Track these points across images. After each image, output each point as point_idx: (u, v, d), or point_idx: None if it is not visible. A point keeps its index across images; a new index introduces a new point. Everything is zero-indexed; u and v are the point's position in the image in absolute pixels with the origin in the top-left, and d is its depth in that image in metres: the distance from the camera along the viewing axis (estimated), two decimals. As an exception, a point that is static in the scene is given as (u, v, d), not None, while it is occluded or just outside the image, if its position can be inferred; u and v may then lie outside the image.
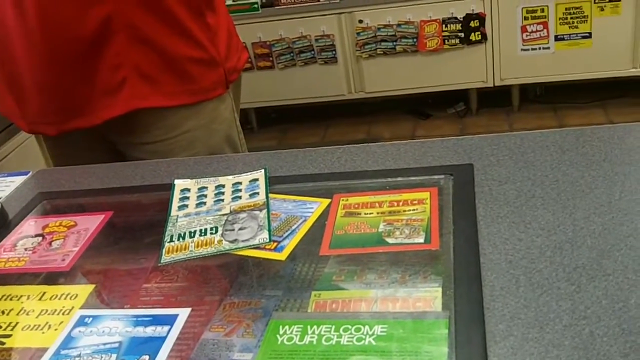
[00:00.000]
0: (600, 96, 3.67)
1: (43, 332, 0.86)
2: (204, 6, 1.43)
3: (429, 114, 3.89)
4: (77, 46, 1.31)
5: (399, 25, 3.52)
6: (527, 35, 3.43)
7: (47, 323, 0.88)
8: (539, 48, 3.45)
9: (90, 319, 0.87)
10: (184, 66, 1.40)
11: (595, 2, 3.31)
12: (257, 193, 1.07)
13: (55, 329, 0.86)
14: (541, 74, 3.54)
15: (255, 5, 3.62)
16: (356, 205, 1.00)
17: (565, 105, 3.68)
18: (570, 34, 3.39)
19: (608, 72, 3.48)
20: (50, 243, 1.06)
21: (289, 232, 0.97)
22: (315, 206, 1.02)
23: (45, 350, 0.83)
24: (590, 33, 3.37)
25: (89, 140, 1.49)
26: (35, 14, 1.28)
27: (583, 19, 3.35)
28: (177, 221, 1.04)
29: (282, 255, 0.93)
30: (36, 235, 1.09)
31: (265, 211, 1.02)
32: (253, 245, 0.96)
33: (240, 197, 1.07)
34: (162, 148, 1.45)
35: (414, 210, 0.96)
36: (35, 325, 0.88)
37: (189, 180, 1.14)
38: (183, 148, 1.46)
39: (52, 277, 0.99)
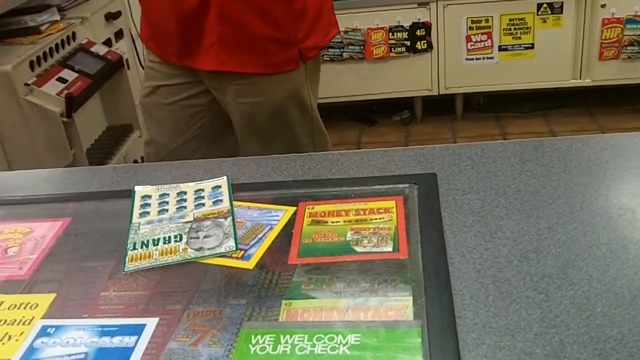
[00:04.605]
0: (541, 106, 3.76)
1: (3, 344, 0.84)
2: None
3: (374, 121, 3.91)
4: (183, 14, 1.64)
5: (346, 32, 3.53)
6: (471, 45, 3.49)
7: (7, 334, 0.85)
8: (483, 58, 3.51)
9: (53, 329, 0.84)
10: (260, 43, 1.66)
11: (538, 14, 3.39)
12: (221, 200, 1.06)
13: (17, 340, 0.84)
14: (485, 84, 3.60)
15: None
16: (322, 214, 1.00)
17: (508, 115, 3.75)
18: (513, 45, 3.46)
19: (549, 83, 3.56)
20: (5, 250, 1.03)
21: (256, 240, 0.97)
22: (281, 214, 1.02)
23: (6, 362, 0.80)
24: (532, 44, 3.45)
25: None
26: None
27: (526, 30, 3.42)
28: (139, 228, 1.02)
29: (249, 264, 0.92)
30: (-10, 242, 1.05)
31: (230, 219, 1.01)
32: (219, 253, 0.95)
33: (203, 205, 1.06)
34: (241, 108, 1.73)
35: (380, 218, 0.97)
36: (-6, 336, 0.85)
37: (149, 186, 1.12)
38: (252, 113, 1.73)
39: (9, 286, 0.96)
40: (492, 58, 3.51)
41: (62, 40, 2.47)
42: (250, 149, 1.82)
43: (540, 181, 1.02)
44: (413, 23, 3.48)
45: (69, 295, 0.94)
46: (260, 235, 0.98)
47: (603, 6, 3.31)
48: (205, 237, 0.98)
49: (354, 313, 0.81)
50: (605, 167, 1.04)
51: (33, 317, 0.88)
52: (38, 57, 2.30)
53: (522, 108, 3.77)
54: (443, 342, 0.74)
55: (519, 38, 3.45)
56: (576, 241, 0.88)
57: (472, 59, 3.53)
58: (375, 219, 0.97)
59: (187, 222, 1.02)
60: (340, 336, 0.76)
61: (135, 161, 2.79)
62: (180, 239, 0.98)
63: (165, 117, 1.83)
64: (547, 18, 3.39)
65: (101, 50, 2.63)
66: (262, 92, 1.71)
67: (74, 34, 2.55)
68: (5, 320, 0.88)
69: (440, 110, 3.85)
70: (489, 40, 3.47)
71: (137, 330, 0.83)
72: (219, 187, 1.09)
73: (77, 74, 2.40)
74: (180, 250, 0.96)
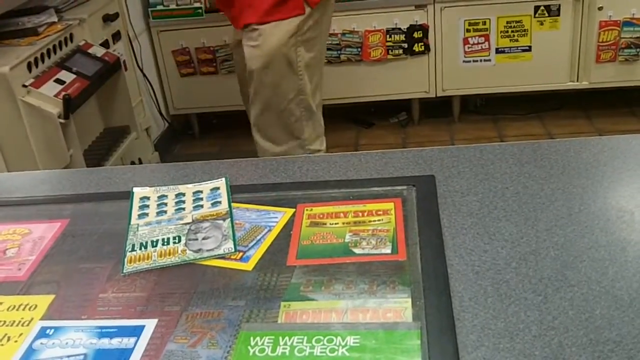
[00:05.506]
0: (538, 108, 3.77)
1: (2, 345, 0.83)
2: None
3: (372, 123, 3.92)
4: None
5: (343, 34, 3.54)
6: (469, 47, 3.50)
7: (5, 335, 0.85)
8: (480, 60, 3.52)
9: (52, 330, 0.84)
10: None
11: (535, 17, 3.39)
12: (219, 202, 1.06)
13: (15, 341, 0.83)
14: (482, 86, 3.61)
15: (199, 11, 3.59)
16: (321, 215, 1.00)
17: (505, 117, 3.76)
18: (510, 47, 3.47)
19: (547, 85, 3.57)
20: (4, 251, 1.03)
21: (254, 242, 0.97)
22: (280, 216, 1.02)
23: (5, 363, 0.80)
24: (530, 47, 3.46)
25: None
26: None
27: (523, 33, 3.43)
28: (137, 230, 1.02)
29: (248, 266, 0.92)
30: (-12, 244, 1.05)
31: (228, 220, 1.01)
32: (218, 255, 0.95)
33: (202, 206, 1.05)
34: (246, 51, 2.27)
35: (379, 220, 0.97)
36: (-7, 338, 0.85)
37: (147, 188, 1.12)
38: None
39: (8, 287, 0.96)
40: (489, 60, 3.52)
41: (60, 42, 2.47)
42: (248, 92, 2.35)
43: (539, 183, 1.02)
44: (410, 25, 3.49)
45: (67, 296, 0.94)
46: (258, 237, 0.98)
47: (600, 9, 3.32)
48: (203, 238, 0.98)
49: (352, 315, 0.81)
50: (603, 169, 1.04)
51: (32, 319, 0.87)
52: (35, 59, 2.30)
53: (519, 110, 3.78)
54: (442, 344, 0.74)
55: (516, 40, 3.45)
56: (575, 243, 0.88)
57: (470, 61, 3.53)
58: (374, 220, 0.97)
59: (185, 224, 1.02)
60: (339, 338, 0.76)
61: (133, 162, 2.79)
62: (179, 241, 0.98)
63: (238, 67, 2.51)
64: (545, 20, 3.39)
65: (99, 51, 2.63)
66: (260, 37, 2.20)
67: (71, 35, 2.55)
68: (4, 322, 0.87)
69: (438, 112, 3.86)
70: (486, 43, 3.47)
71: (136, 331, 0.83)
72: (218, 188, 1.09)
73: (74, 76, 2.40)
74: (179, 252, 0.96)
